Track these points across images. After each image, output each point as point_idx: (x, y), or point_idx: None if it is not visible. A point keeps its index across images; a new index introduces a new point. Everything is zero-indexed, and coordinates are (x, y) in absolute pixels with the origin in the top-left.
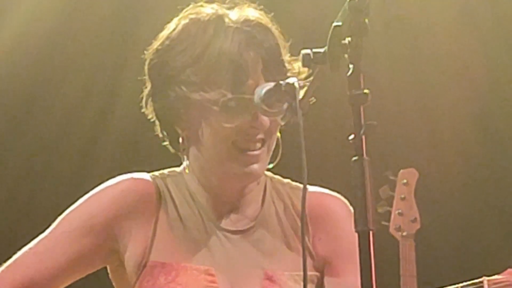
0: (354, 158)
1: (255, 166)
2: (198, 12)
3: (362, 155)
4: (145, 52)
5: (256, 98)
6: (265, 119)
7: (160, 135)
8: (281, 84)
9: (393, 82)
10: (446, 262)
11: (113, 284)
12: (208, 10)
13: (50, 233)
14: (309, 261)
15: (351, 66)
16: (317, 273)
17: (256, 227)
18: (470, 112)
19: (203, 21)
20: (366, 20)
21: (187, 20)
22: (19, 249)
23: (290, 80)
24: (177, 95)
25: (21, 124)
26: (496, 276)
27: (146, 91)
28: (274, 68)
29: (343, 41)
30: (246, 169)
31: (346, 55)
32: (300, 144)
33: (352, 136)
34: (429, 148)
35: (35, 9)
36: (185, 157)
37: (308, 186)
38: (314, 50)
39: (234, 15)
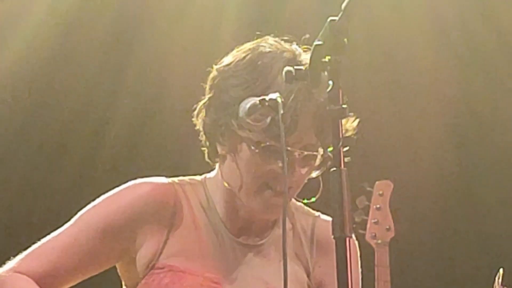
0: (333, 169)
1: (277, 208)
2: (271, 48)
3: (340, 166)
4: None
5: (240, 112)
6: (300, 173)
7: (201, 141)
8: (265, 100)
9: (370, 97)
10: (419, 268)
11: (120, 276)
12: (278, 49)
13: (68, 229)
14: (306, 281)
15: (330, 82)
16: None
17: (266, 245)
18: (444, 125)
19: (272, 60)
20: (345, 40)
21: (257, 53)
22: (18, 253)
23: (273, 96)
24: (226, 124)
25: (24, 132)
26: None
27: (202, 101)
28: (328, 127)
29: (323, 59)
30: (268, 208)
31: (326, 72)
32: (284, 158)
33: (331, 149)
34: (404, 161)
35: (39, 25)
36: (217, 169)
37: (321, 215)
38: (296, 67)
39: (301, 62)
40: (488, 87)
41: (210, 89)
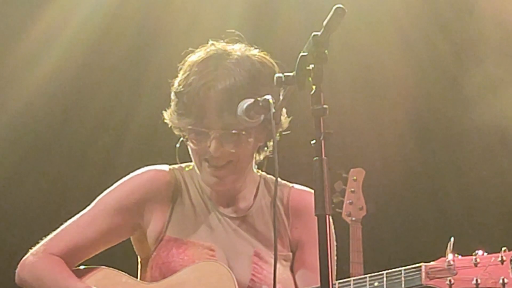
0: (315, 158)
1: (223, 179)
2: (199, 52)
3: (322, 156)
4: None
5: (239, 111)
6: (217, 149)
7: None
8: (258, 100)
9: (347, 99)
10: (386, 240)
11: (135, 251)
12: (203, 52)
13: (89, 210)
14: (286, 243)
15: (313, 86)
16: (291, 253)
17: (249, 216)
18: (407, 123)
19: (195, 61)
20: (326, 51)
21: (191, 58)
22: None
23: (267, 97)
24: (169, 116)
25: (61, 127)
26: (432, 263)
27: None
28: (227, 110)
29: (307, 67)
30: (215, 179)
31: (310, 78)
32: (274, 147)
33: (314, 141)
34: (375, 152)
35: (73, 39)
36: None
37: (295, 185)
38: (285, 74)
39: (216, 58)
40: (444, 90)
41: None
